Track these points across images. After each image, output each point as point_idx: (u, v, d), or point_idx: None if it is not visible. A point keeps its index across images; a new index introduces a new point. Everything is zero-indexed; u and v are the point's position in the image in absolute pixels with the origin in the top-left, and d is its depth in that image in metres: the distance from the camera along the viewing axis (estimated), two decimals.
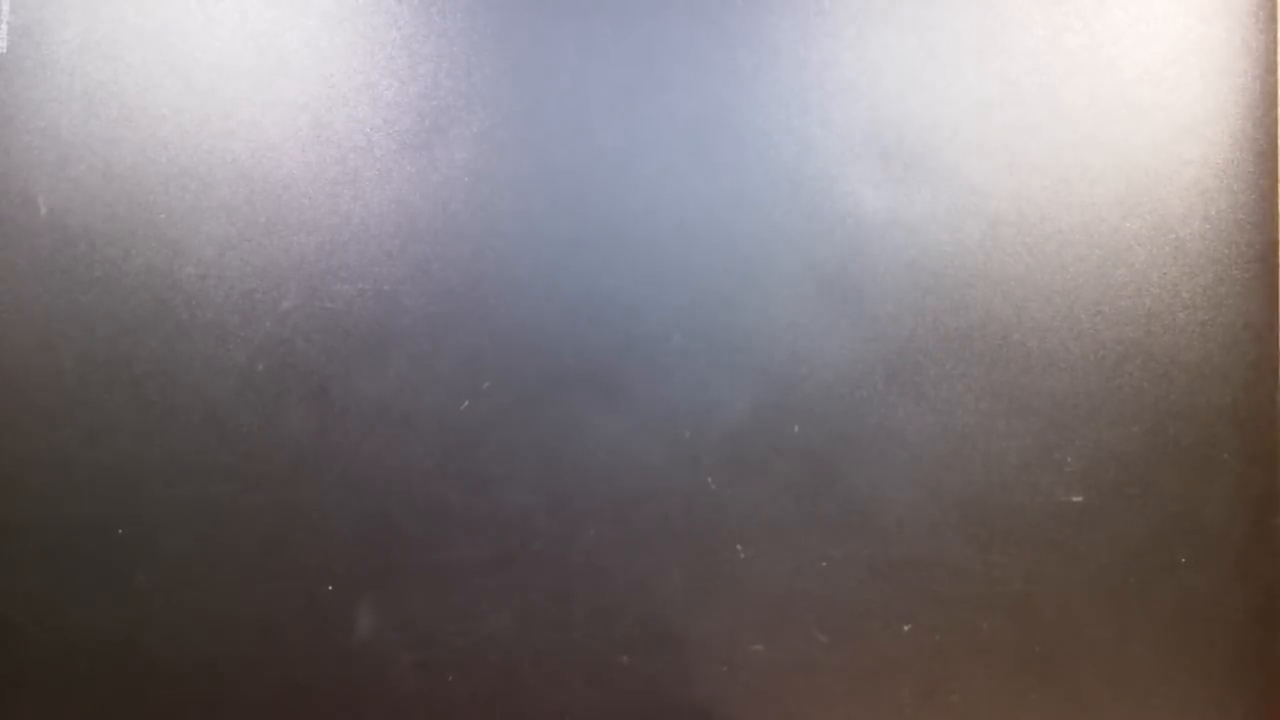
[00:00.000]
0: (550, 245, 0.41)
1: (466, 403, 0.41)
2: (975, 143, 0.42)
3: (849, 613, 0.42)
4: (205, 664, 0.41)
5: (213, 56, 0.41)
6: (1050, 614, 0.42)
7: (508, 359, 0.41)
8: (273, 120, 0.41)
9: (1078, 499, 0.42)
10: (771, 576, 0.42)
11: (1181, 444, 0.42)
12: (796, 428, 0.41)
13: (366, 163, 0.41)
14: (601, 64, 0.42)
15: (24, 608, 0.41)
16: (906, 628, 0.42)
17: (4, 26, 0.41)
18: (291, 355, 0.41)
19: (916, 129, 0.42)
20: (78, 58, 0.41)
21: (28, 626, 0.41)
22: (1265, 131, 0.42)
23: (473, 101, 0.41)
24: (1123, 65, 0.42)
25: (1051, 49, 0.42)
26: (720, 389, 0.41)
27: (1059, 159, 0.42)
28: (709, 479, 0.41)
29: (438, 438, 0.41)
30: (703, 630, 0.42)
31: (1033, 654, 0.42)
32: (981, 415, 0.42)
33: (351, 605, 0.41)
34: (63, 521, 0.41)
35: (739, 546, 0.42)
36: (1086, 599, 0.42)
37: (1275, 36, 0.42)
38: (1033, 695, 0.42)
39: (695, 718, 0.42)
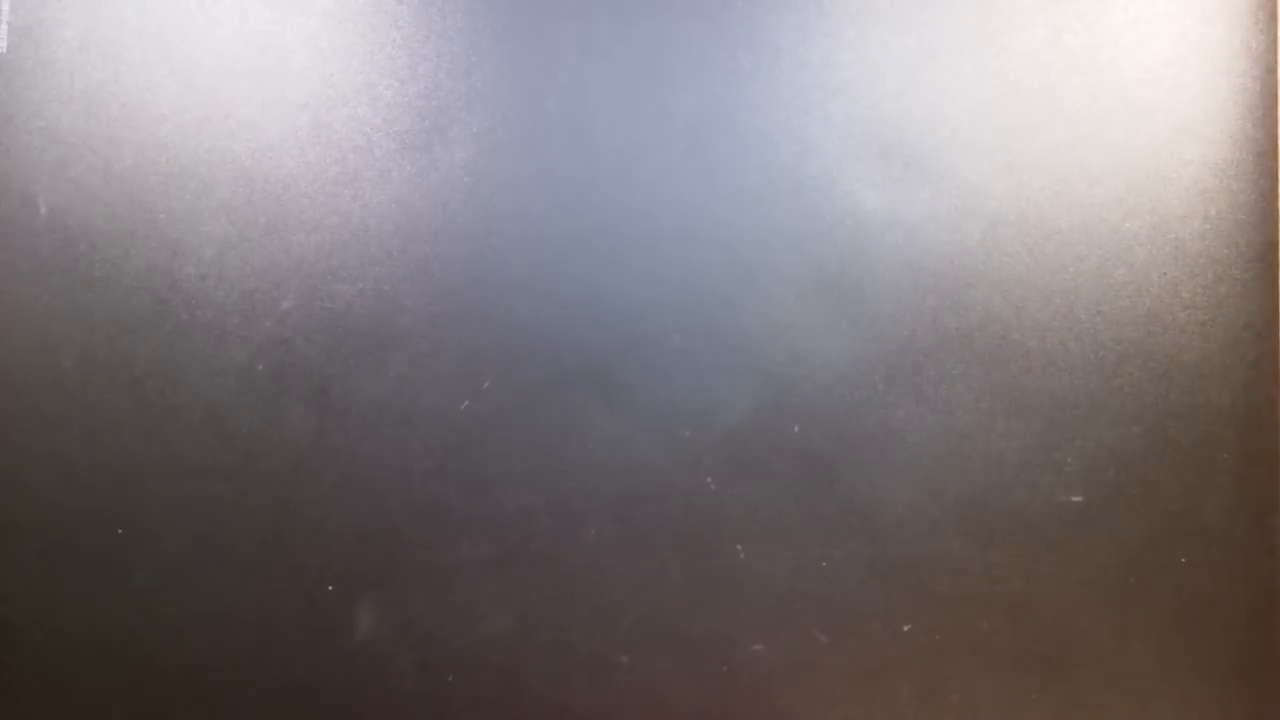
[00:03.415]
0: (550, 245, 0.41)
1: (466, 403, 0.41)
2: (975, 143, 0.42)
3: (849, 613, 0.42)
4: (205, 664, 0.41)
5: (213, 56, 0.41)
6: (1050, 614, 0.42)
7: (508, 359, 0.41)
8: (273, 120, 0.41)
9: (1078, 499, 0.42)
10: (771, 576, 0.42)
11: (1181, 444, 0.42)
12: (796, 428, 0.41)
13: (366, 163, 0.41)
14: (601, 64, 0.42)
15: (24, 608, 0.41)
16: (906, 628, 0.42)
17: (4, 26, 0.41)
18: (291, 355, 0.41)
19: (916, 129, 0.42)
20: (78, 58, 0.41)
21: (28, 626, 0.41)
22: (1265, 131, 0.42)
23: (473, 101, 0.41)
24: (1123, 65, 0.42)
25: (1051, 49, 0.42)
26: (720, 389, 0.41)
27: (1059, 159, 0.42)
28: (709, 479, 0.41)
29: (438, 438, 0.41)
30: (703, 630, 0.42)
31: (1033, 654, 0.42)
32: (981, 415, 0.42)
33: (351, 605, 0.41)
34: (63, 521, 0.41)
35: (739, 546, 0.42)
36: (1086, 599, 0.42)
37: (1275, 36, 0.42)
38: (1033, 695, 0.42)
39: (695, 718, 0.42)
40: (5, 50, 0.41)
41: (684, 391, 0.41)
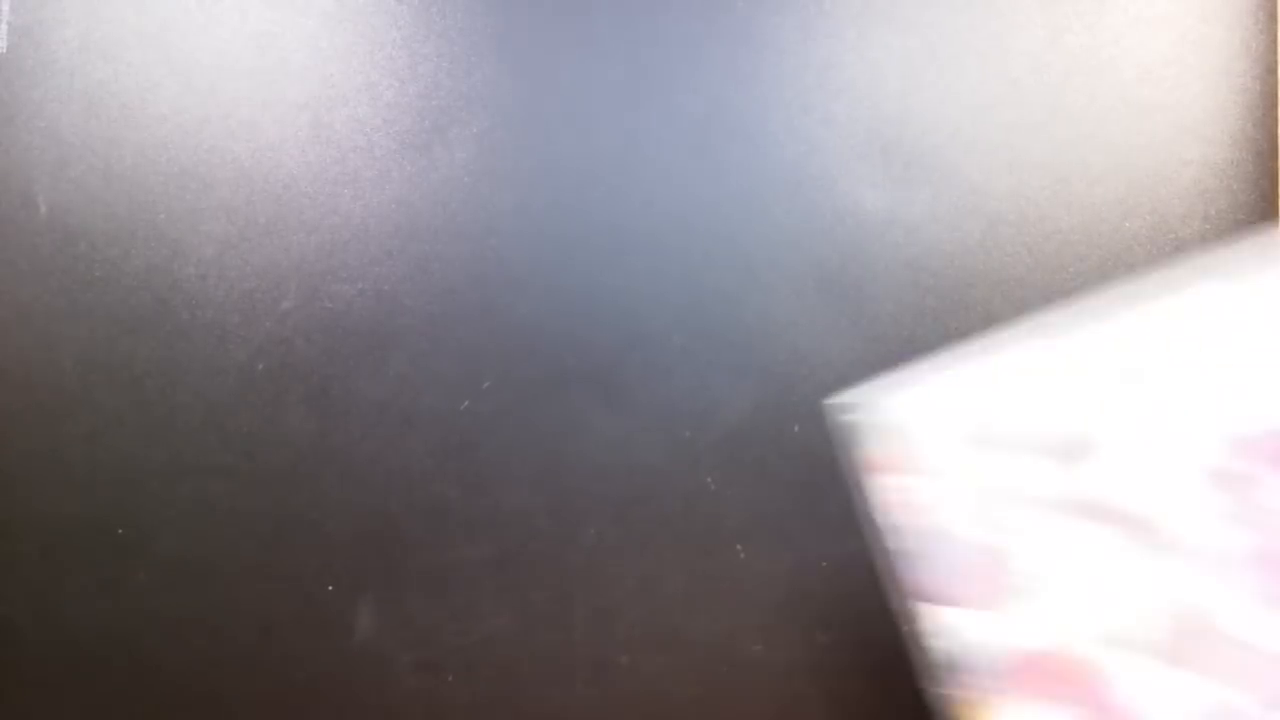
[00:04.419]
0: (550, 245, 0.41)
1: (466, 403, 0.41)
2: (975, 143, 0.42)
3: (849, 613, 0.42)
4: (205, 664, 0.41)
5: (213, 56, 0.41)
6: None
7: (508, 359, 0.41)
8: (273, 120, 0.41)
9: None
10: (771, 576, 0.42)
11: None
12: (796, 428, 0.41)
13: (366, 163, 0.41)
14: (601, 64, 0.42)
15: (24, 608, 0.41)
16: (906, 628, 0.42)
17: (4, 26, 0.41)
18: (291, 355, 0.41)
19: (916, 129, 0.42)
20: (78, 58, 0.41)
21: (28, 626, 0.41)
22: (1265, 131, 0.42)
23: (473, 101, 0.41)
24: (1123, 65, 0.42)
25: (1051, 49, 0.42)
26: (720, 389, 0.41)
27: (1059, 159, 0.42)
28: (709, 479, 0.41)
29: (438, 438, 0.41)
30: (703, 630, 0.42)
31: None
32: None
33: (351, 605, 0.41)
34: (63, 521, 0.41)
35: (739, 546, 0.42)
36: None
37: (1275, 36, 0.42)
38: None
39: (695, 718, 0.42)
40: (5, 50, 0.41)
41: (684, 391, 0.41)
